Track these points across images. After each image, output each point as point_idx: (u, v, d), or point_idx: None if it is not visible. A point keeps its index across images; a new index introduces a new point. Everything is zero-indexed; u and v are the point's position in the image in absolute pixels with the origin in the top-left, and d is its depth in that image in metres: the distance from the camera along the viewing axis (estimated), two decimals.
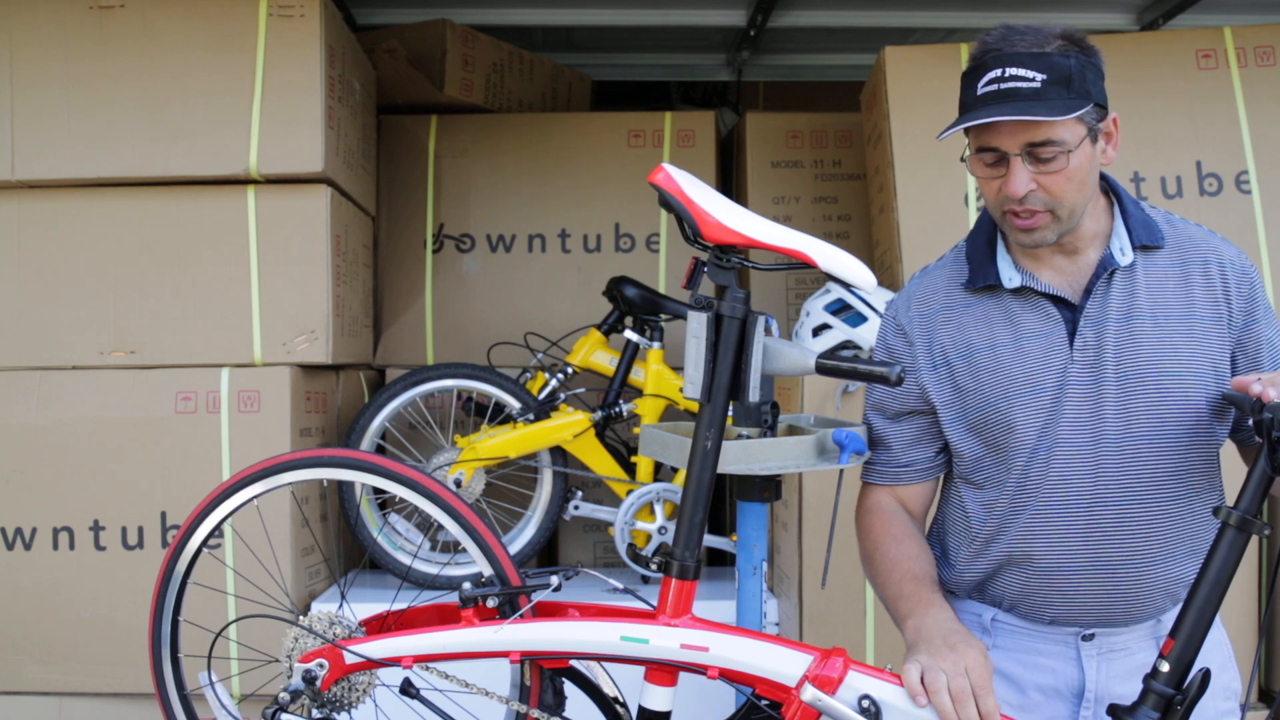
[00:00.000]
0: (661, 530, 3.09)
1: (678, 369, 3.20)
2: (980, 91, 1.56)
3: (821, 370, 1.59)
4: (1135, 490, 1.63)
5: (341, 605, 1.76)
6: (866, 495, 1.83)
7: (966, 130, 1.60)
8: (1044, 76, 1.53)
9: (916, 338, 1.74)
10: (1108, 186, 1.71)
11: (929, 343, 1.73)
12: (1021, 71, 1.53)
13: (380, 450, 3.17)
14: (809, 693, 1.49)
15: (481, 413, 3.19)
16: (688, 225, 1.58)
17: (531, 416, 3.10)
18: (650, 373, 3.21)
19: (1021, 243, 1.63)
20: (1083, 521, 1.64)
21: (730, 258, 1.60)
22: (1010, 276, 1.67)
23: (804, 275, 3.66)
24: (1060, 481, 1.64)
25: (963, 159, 1.65)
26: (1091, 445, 1.63)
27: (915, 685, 1.46)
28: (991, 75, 1.55)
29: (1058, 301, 1.66)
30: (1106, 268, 1.63)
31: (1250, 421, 1.47)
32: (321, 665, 1.65)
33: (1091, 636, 1.68)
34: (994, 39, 1.58)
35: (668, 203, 1.58)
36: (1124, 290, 1.64)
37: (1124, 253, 1.64)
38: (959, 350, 1.70)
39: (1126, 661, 1.68)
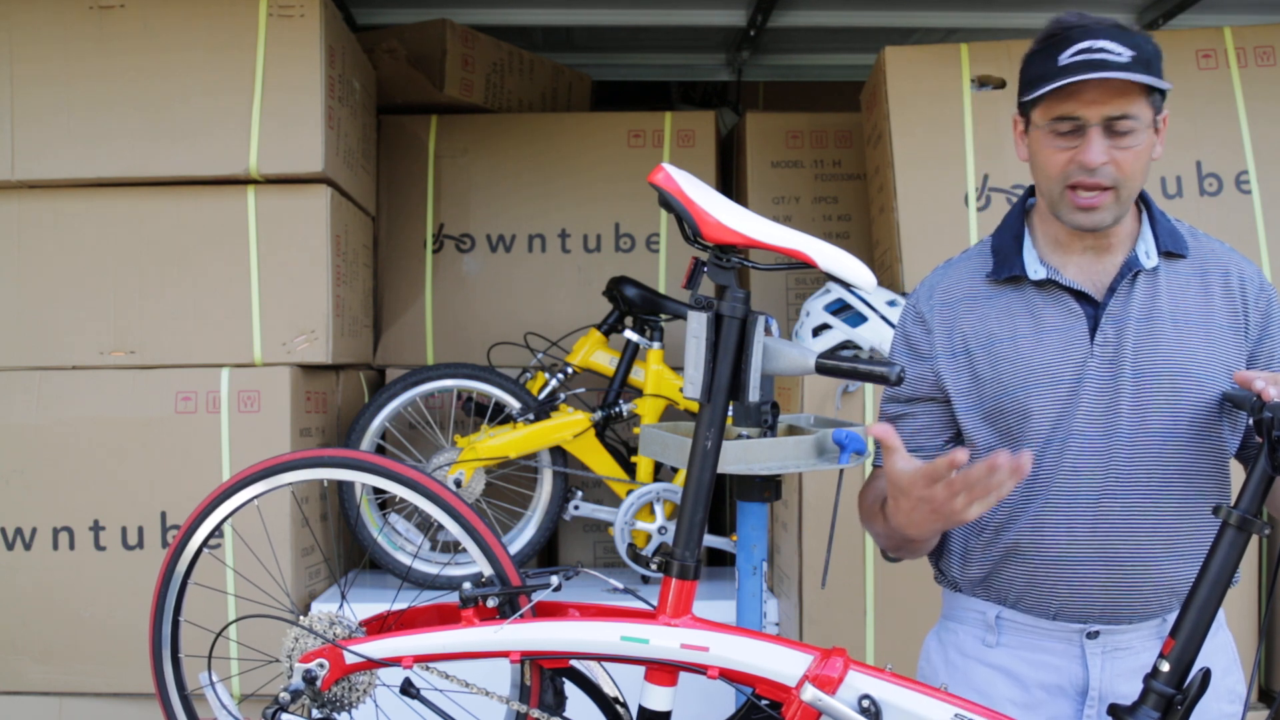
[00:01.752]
0: (661, 530, 3.09)
1: (678, 369, 3.20)
2: (1066, 61, 1.58)
3: (821, 370, 1.59)
4: (1145, 486, 1.64)
5: (341, 605, 1.76)
6: (870, 477, 1.84)
7: (1033, 104, 1.62)
8: (1131, 54, 1.56)
9: (936, 326, 1.76)
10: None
11: (950, 331, 1.75)
12: (1110, 45, 1.56)
13: (380, 450, 3.17)
14: (809, 692, 1.49)
15: (481, 413, 3.18)
16: (688, 225, 1.58)
17: (531, 416, 3.10)
18: (650, 373, 3.21)
19: (1079, 223, 1.63)
20: (1091, 513, 1.65)
21: (730, 258, 1.60)
22: (1035, 269, 1.70)
23: (804, 275, 3.66)
24: (1072, 472, 1.65)
25: (1026, 128, 1.67)
26: (1105, 439, 1.64)
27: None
28: (1081, 45, 1.57)
29: (1080, 297, 1.68)
30: (1131, 269, 1.67)
31: (1251, 420, 1.48)
32: (322, 665, 1.66)
33: (1096, 634, 1.68)
34: (1073, 18, 1.61)
35: (668, 203, 1.58)
36: (1147, 292, 1.67)
37: (1149, 256, 1.67)
38: (980, 339, 1.72)
39: (1131, 660, 1.68)
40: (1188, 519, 1.66)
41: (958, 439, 1.78)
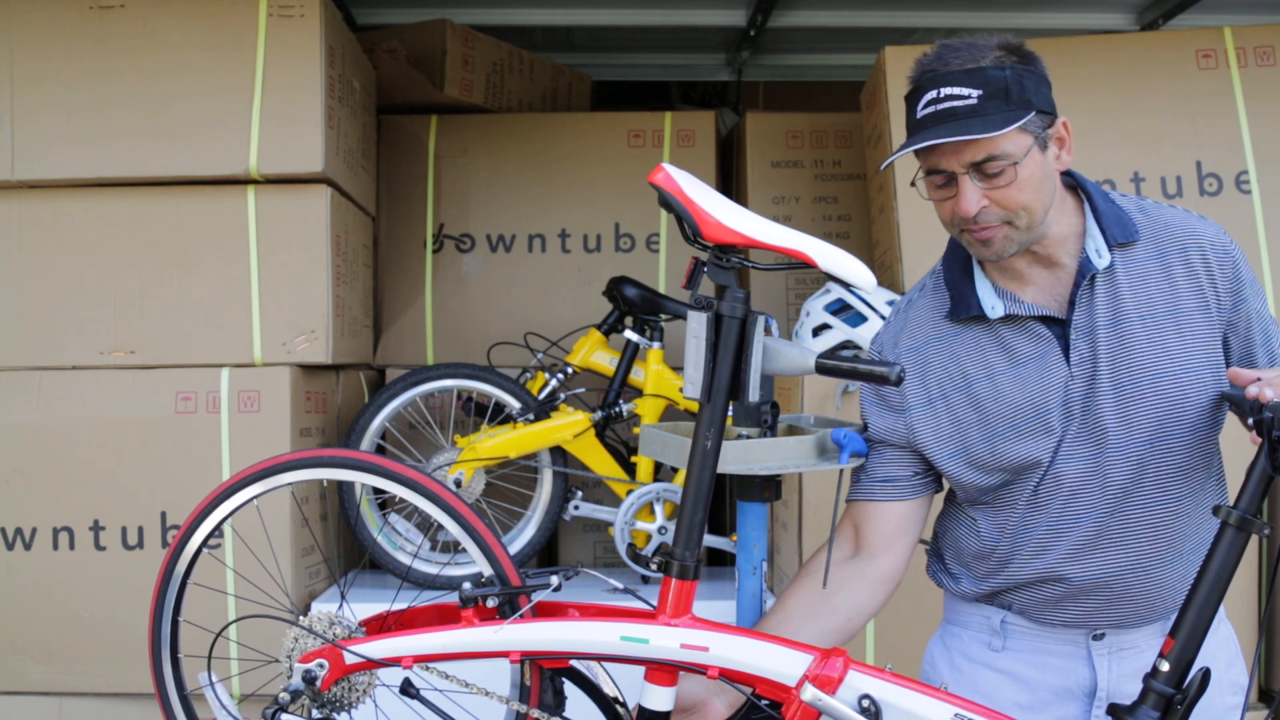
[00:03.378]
0: (661, 530, 3.09)
1: (678, 369, 3.20)
2: (919, 115, 1.56)
3: (821, 370, 1.59)
4: (1141, 494, 1.63)
5: (341, 605, 1.76)
6: (845, 512, 1.83)
7: (917, 154, 1.59)
8: (979, 92, 1.52)
9: (906, 375, 1.71)
10: (1075, 183, 1.68)
11: (923, 377, 1.71)
12: (956, 90, 1.52)
13: (380, 450, 3.17)
14: (809, 692, 1.49)
15: (481, 413, 3.18)
16: (688, 225, 1.58)
17: (531, 416, 3.10)
18: (650, 373, 3.21)
19: (984, 257, 1.62)
20: (1093, 533, 1.63)
21: (730, 258, 1.59)
22: (993, 305, 1.65)
23: (804, 275, 3.66)
24: (1071, 497, 1.63)
25: (913, 184, 1.64)
26: (1096, 456, 1.62)
27: None
28: (928, 97, 1.55)
29: (1044, 319, 1.64)
30: (1085, 274, 1.61)
31: (1250, 421, 1.47)
32: (321, 665, 1.65)
33: (1102, 636, 1.68)
34: (929, 59, 1.57)
35: (668, 203, 1.58)
36: (1107, 295, 1.62)
37: (1100, 254, 1.62)
38: (955, 382, 1.69)
39: (1138, 660, 1.67)
40: (1186, 514, 1.64)
41: (928, 471, 1.76)
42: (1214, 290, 1.63)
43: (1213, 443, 1.66)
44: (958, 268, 1.71)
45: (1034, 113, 1.53)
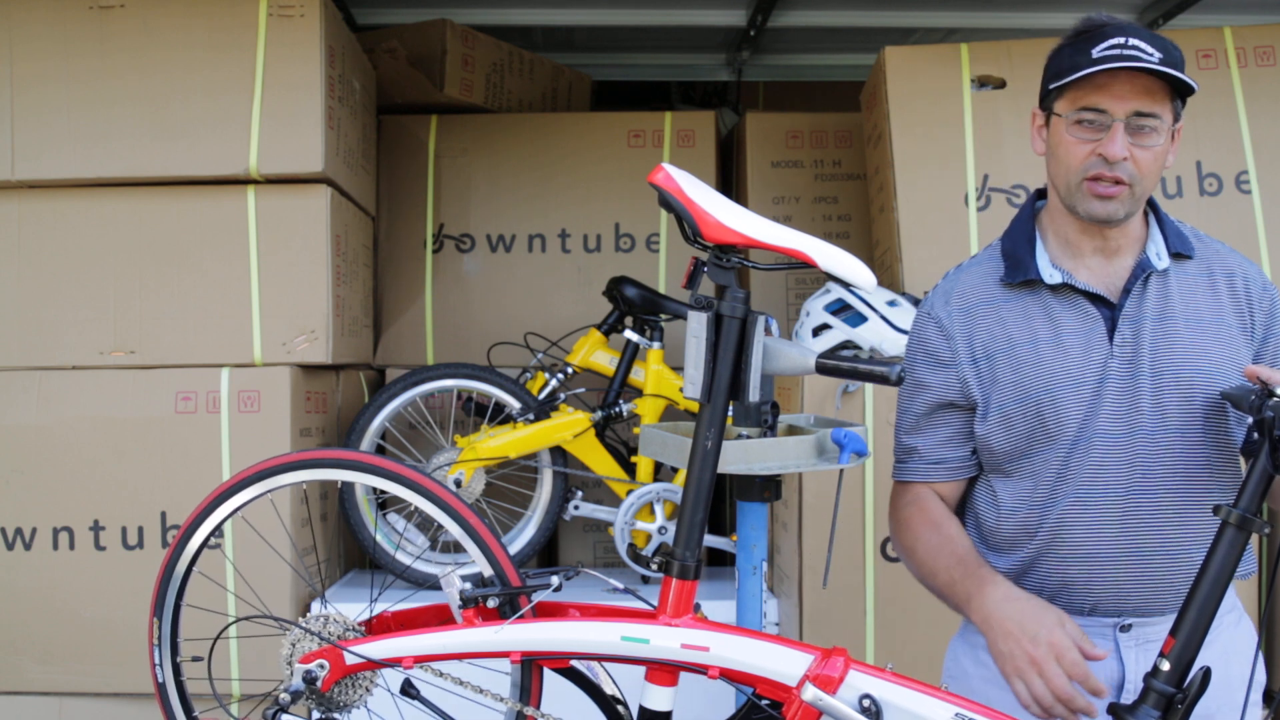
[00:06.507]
0: (661, 530, 3.09)
1: (678, 369, 3.20)
2: (1099, 54, 1.60)
3: (821, 370, 1.59)
4: (1168, 480, 1.67)
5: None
6: (899, 493, 1.84)
7: (1058, 95, 1.64)
8: (1161, 55, 1.59)
9: (957, 332, 1.76)
10: None
11: (970, 337, 1.75)
12: (1144, 45, 1.60)
13: (380, 450, 3.17)
14: (810, 692, 1.49)
15: (481, 413, 3.18)
16: (688, 225, 1.58)
17: (531, 416, 3.10)
18: (650, 373, 3.21)
19: (1094, 212, 1.66)
20: (1119, 509, 1.67)
21: (730, 258, 1.60)
22: (1050, 273, 1.72)
23: (804, 275, 3.66)
24: (1098, 470, 1.67)
25: (1046, 122, 1.69)
26: (1128, 437, 1.67)
27: (1028, 702, 1.51)
28: (1115, 40, 1.60)
29: (1095, 300, 1.70)
30: (1144, 270, 1.69)
31: (1251, 420, 1.48)
32: (322, 666, 1.65)
33: (1129, 627, 1.70)
34: (1104, 17, 1.65)
35: (668, 203, 1.58)
36: (1159, 293, 1.70)
37: (1160, 258, 1.71)
38: (1000, 344, 1.73)
39: None
40: (1209, 507, 1.66)
41: (974, 455, 1.79)
42: (1250, 318, 1.73)
43: (1235, 449, 1.71)
44: (1021, 238, 1.77)
45: (1183, 101, 1.64)
